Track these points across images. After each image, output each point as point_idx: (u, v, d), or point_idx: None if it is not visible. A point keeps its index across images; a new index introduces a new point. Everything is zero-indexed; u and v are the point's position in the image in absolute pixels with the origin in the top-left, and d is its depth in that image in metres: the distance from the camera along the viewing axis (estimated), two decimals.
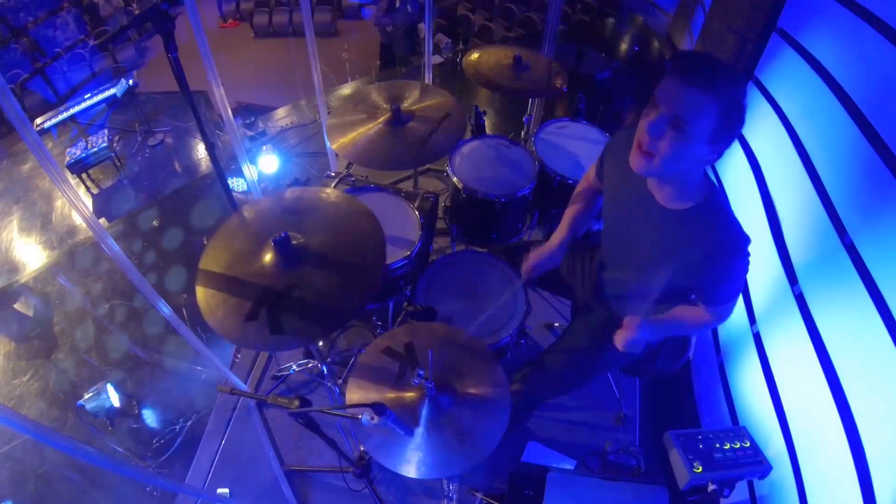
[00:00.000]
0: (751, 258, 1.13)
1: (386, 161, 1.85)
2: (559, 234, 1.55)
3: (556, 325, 2.36)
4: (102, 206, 3.92)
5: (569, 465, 1.89)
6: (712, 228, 1.12)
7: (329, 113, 2.09)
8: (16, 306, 2.69)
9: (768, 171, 1.85)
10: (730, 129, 1.00)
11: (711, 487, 1.27)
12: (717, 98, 0.95)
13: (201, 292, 1.27)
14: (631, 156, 1.09)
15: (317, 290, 1.26)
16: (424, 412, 1.19)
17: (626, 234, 1.32)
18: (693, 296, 1.28)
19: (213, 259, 1.34)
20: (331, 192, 1.51)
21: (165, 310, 1.65)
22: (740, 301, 1.87)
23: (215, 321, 1.23)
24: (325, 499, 1.91)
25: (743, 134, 1.79)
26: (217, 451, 2.05)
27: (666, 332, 1.39)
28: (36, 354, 2.59)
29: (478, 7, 6.61)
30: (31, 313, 2.70)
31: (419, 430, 1.17)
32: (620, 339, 1.31)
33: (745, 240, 1.10)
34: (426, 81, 2.86)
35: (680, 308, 1.32)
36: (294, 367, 2.21)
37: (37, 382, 2.46)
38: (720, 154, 1.04)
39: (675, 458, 1.31)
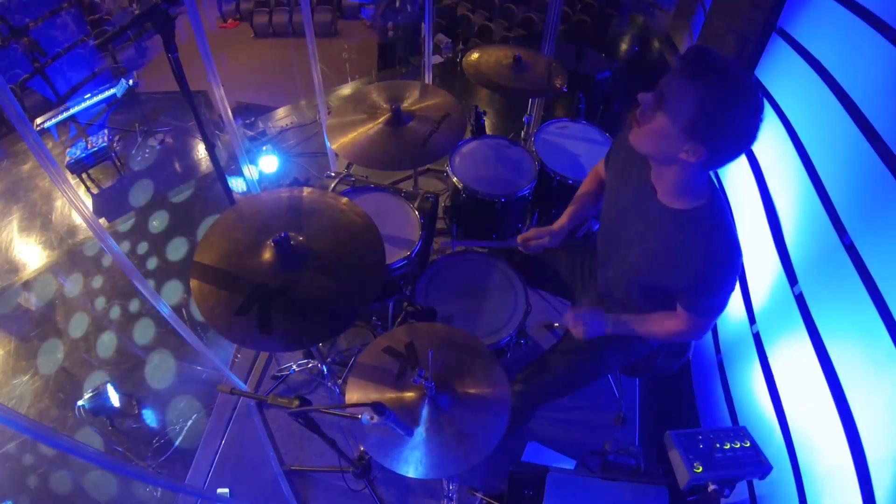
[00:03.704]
0: (743, 270, 1.14)
1: (386, 161, 1.84)
2: (561, 219, 1.60)
3: (556, 325, 2.36)
4: (102, 206, 3.92)
5: (569, 465, 1.89)
6: (708, 233, 1.12)
7: (329, 113, 2.09)
8: (19, 300, 2.70)
9: (768, 171, 1.85)
10: (712, 129, 0.98)
11: (711, 487, 1.26)
12: (700, 88, 0.95)
13: (195, 280, 1.28)
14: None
15: (311, 296, 1.26)
16: (424, 412, 1.19)
17: (622, 226, 1.32)
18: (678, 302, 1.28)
19: (210, 248, 1.34)
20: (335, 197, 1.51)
21: (165, 310, 1.65)
22: (740, 301, 1.87)
23: (205, 309, 1.23)
24: (325, 499, 1.91)
25: None
26: (217, 451, 2.05)
27: (624, 331, 1.39)
28: (36, 354, 2.59)
29: (478, 7, 6.60)
30: (32, 307, 2.71)
31: (419, 430, 1.17)
32: (568, 319, 1.37)
33: (738, 252, 1.11)
34: (426, 81, 2.86)
35: (653, 314, 1.34)
36: (294, 367, 2.21)
37: (37, 382, 2.46)
38: (704, 159, 1.02)
39: (675, 457, 1.30)
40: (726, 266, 1.12)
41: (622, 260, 1.34)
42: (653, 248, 1.22)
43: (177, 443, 2.18)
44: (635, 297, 1.38)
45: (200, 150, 4.35)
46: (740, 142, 1.01)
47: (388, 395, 1.24)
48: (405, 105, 1.96)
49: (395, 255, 1.74)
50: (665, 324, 1.31)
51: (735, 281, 1.16)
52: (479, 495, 1.83)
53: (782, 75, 1.90)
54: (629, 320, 1.36)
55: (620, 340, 1.48)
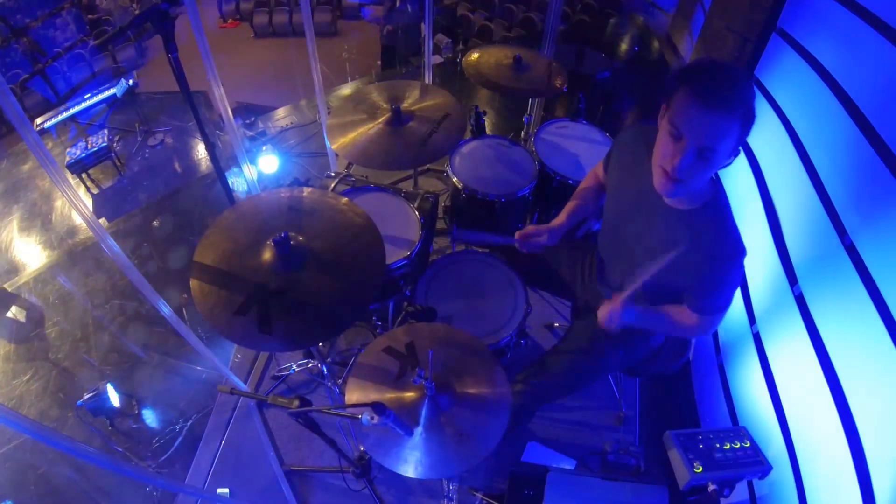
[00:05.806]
0: (745, 270, 1.14)
1: (386, 161, 1.84)
2: (560, 217, 1.59)
3: (557, 325, 2.36)
4: (102, 206, 3.92)
5: (569, 465, 1.89)
6: (714, 231, 1.13)
7: (329, 113, 2.09)
8: (8, 315, 2.69)
9: (768, 171, 1.85)
10: (748, 132, 1.01)
11: (711, 487, 1.27)
12: (739, 116, 0.96)
13: (195, 280, 1.28)
14: (656, 179, 1.10)
15: (311, 296, 1.26)
16: (424, 412, 1.19)
17: (627, 229, 1.32)
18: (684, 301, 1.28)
19: (210, 248, 1.34)
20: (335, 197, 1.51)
21: (165, 310, 1.65)
22: (740, 301, 1.87)
23: (205, 309, 1.23)
24: (325, 499, 1.91)
25: None
26: (217, 451, 2.05)
27: (647, 323, 1.39)
28: (35, 355, 2.59)
29: (478, 7, 6.61)
30: (23, 319, 2.69)
31: (419, 430, 1.17)
32: (603, 314, 1.33)
33: (742, 250, 1.11)
34: (426, 81, 2.86)
35: (670, 306, 1.33)
36: (294, 367, 2.21)
37: (36, 382, 2.46)
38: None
39: (675, 458, 1.31)
40: (731, 265, 1.12)
41: (627, 261, 1.34)
42: (659, 249, 1.21)
43: (177, 443, 2.18)
44: (639, 296, 1.38)
45: (200, 150, 4.35)
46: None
47: (388, 395, 1.24)
48: (405, 105, 1.96)
49: (395, 255, 1.74)
50: (681, 316, 1.31)
51: (739, 279, 1.16)
52: (479, 495, 1.83)
53: (782, 75, 1.90)
54: (652, 310, 1.35)
55: (622, 340, 1.47)
